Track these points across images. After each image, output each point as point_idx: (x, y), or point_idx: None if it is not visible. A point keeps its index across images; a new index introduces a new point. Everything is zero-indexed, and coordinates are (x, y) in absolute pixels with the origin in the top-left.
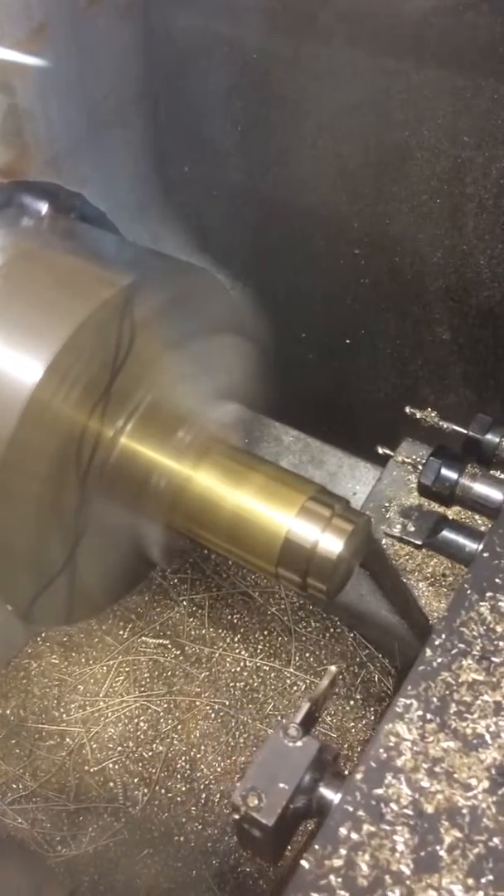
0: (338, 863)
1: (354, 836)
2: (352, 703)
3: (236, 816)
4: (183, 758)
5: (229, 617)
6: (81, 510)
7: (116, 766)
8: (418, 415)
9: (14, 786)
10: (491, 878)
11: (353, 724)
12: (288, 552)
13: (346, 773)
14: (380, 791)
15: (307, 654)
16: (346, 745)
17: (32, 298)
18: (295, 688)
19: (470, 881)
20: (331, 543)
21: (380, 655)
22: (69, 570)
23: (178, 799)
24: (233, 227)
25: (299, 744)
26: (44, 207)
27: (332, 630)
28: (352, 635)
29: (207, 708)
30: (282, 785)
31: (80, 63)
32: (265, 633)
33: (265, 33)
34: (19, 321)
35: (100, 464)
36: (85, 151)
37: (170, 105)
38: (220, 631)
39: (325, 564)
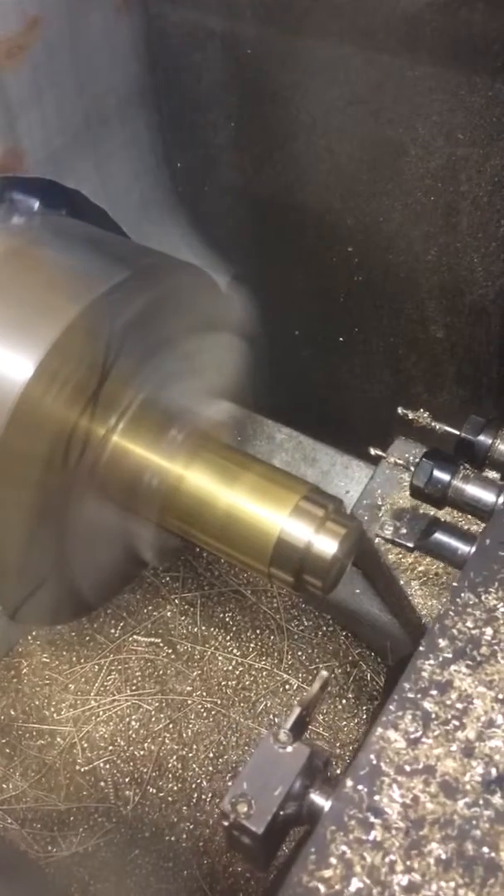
0: (328, 872)
1: (344, 844)
2: (344, 701)
3: (226, 823)
4: (174, 757)
5: (221, 615)
6: (71, 512)
7: (107, 766)
8: (410, 415)
9: (4, 786)
10: (483, 888)
11: (344, 723)
12: (281, 552)
13: (338, 776)
14: (371, 798)
15: (299, 653)
16: (337, 744)
17: (20, 298)
18: (287, 686)
19: (461, 892)
20: (325, 544)
21: (372, 654)
22: (59, 571)
23: (170, 798)
24: (225, 224)
25: (289, 749)
26: (35, 204)
27: (324, 628)
28: (344, 634)
29: (199, 707)
30: (272, 792)
31: (75, 58)
32: (257, 631)
33: (259, 29)
34: (7, 321)
35: (92, 463)
36: (85, 147)
37: (166, 100)
38: (213, 629)
39: (320, 565)
